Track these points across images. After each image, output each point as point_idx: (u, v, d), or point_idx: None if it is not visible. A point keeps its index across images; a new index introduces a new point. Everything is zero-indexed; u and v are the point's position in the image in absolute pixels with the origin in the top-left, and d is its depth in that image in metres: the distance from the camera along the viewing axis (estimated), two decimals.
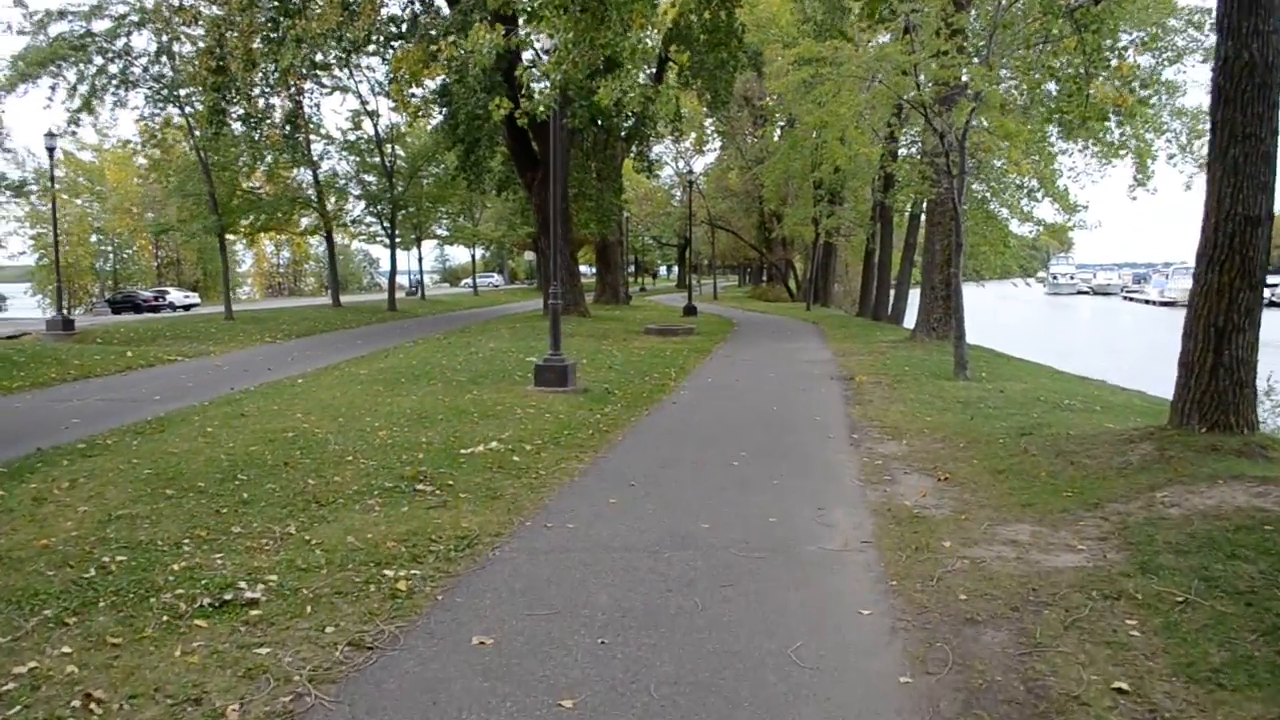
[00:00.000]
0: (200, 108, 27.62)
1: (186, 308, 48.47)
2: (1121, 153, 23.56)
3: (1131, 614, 5.20)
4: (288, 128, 30.09)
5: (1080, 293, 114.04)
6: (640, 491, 8.20)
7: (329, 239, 40.81)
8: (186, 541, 6.72)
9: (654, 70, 37.00)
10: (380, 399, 13.41)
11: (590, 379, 15.81)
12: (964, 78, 15.31)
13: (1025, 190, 22.37)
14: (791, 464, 9.39)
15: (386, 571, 6.01)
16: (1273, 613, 5.09)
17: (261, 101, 27.73)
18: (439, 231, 56.70)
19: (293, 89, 30.49)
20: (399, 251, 57.42)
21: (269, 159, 34.15)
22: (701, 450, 10.07)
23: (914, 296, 33.95)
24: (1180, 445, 8.28)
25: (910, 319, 31.88)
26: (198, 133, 28.55)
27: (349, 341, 24.92)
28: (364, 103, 40.74)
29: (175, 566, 6.13)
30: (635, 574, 6.02)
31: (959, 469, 8.98)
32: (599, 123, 28.49)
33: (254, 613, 5.36)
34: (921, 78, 14.91)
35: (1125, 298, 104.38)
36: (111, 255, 71.48)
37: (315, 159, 38.71)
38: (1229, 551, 5.89)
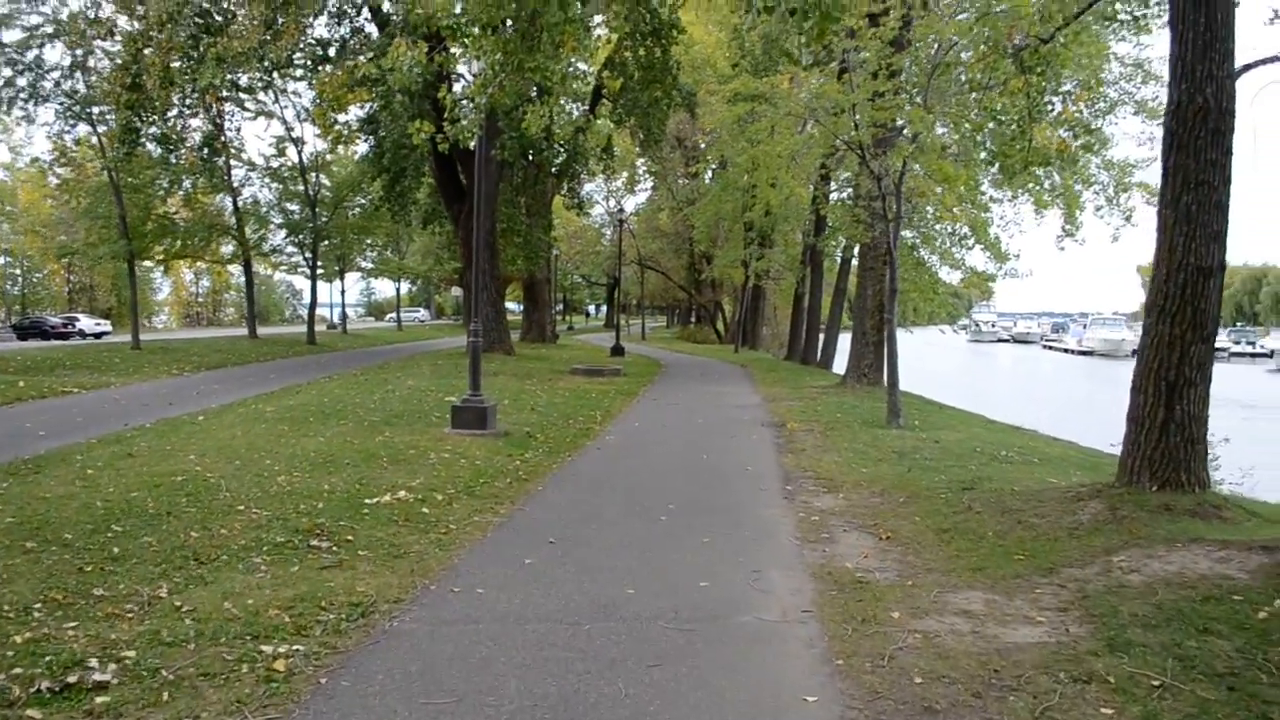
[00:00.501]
0: (114, 126, 26.39)
1: (98, 335, 46.57)
2: (1052, 202, 23.65)
3: (1106, 700, 4.65)
4: (205, 150, 28.95)
5: (1001, 340, 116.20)
6: (559, 550, 7.50)
7: (247, 268, 39.47)
8: (38, 606, 5.83)
9: (588, 104, 36.76)
10: (284, 440, 12.51)
11: (512, 421, 15.08)
12: (900, 121, 15.04)
13: (957, 237, 22.24)
14: (723, 519, 8.76)
15: (264, 647, 5.21)
16: (1259, 699, 4.58)
17: (179, 123, 26.60)
18: (363, 264, 55.51)
19: (212, 110, 29.41)
20: (322, 284, 56.36)
21: (187, 183, 32.99)
22: (627, 502, 9.40)
23: (844, 341, 33.88)
24: (1132, 504, 7.84)
25: (840, 364, 31.70)
26: (109, 153, 27.26)
27: (261, 376, 23.81)
28: (289, 129, 39.61)
29: (18, 638, 5.25)
30: (550, 651, 5.30)
31: (901, 527, 8.44)
32: (529, 156, 27.90)
33: (100, 699, 4.54)
34: (858, 118, 14.58)
35: (1045, 346, 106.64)
36: (20, 279, 68.94)
37: (236, 185, 37.53)
38: (1200, 626, 5.41)
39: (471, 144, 13.03)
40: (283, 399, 17.79)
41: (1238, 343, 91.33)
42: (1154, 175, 22.41)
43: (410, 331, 58.98)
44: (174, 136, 26.44)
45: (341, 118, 28.53)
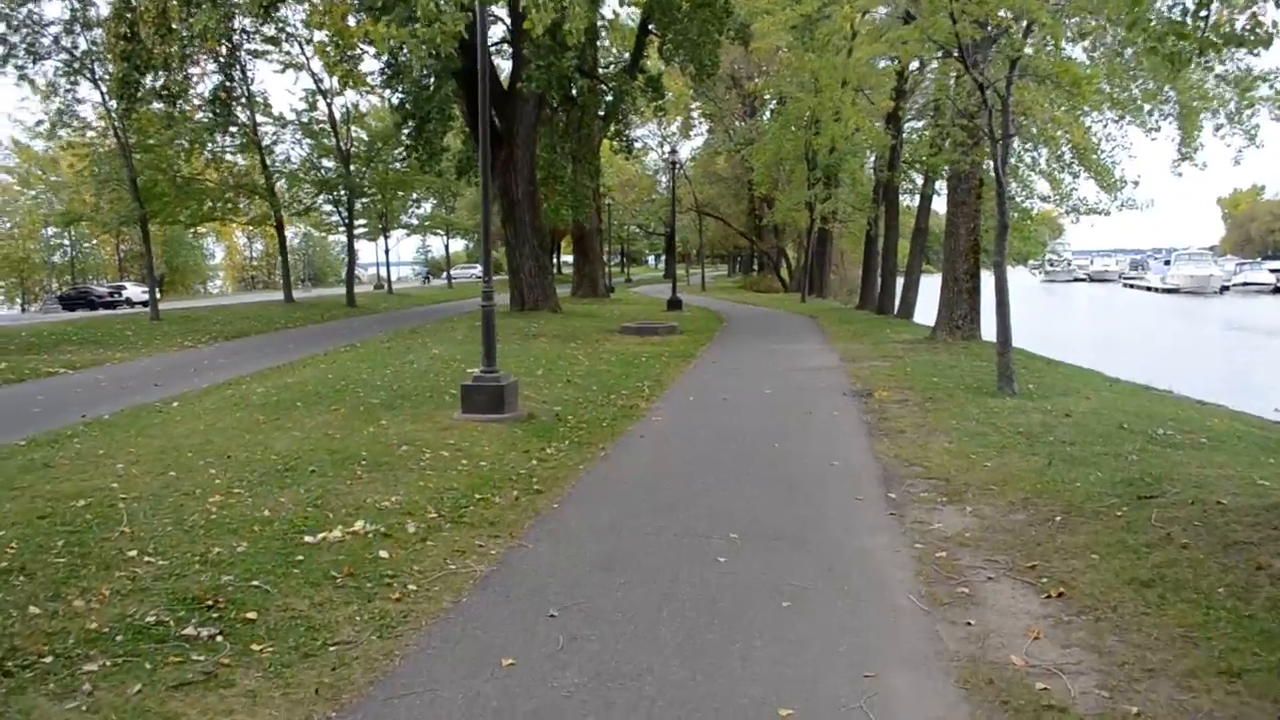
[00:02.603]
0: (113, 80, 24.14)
1: (145, 303, 44.99)
2: (1161, 120, 20.36)
3: None
4: (215, 104, 26.59)
5: (1077, 279, 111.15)
6: (561, 633, 4.89)
7: (279, 229, 37.28)
8: None
9: (632, 50, 33.82)
10: (253, 435, 10.08)
11: (542, 397, 12.52)
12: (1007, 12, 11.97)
13: (1062, 163, 19.12)
14: (808, 559, 6.09)
15: None
16: None
17: (180, 74, 24.22)
18: (409, 221, 53.25)
19: (222, 59, 27.00)
20: (371, 242, 54.21)
21: (212, 143, 30.78)
22: (672, 528, 6.75)
23: (926, 286, 30.76)
24: None
25: (922, 313, 28.64)
26: (112, 110, 25.03)
27: (278, 346, 21.55)
28: (318, 81, 37.11)
29: None
30: None
31: (1074, 572, 5.70)
32: (569, 93, 25.06)
33: None
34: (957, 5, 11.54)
35: (1125, 284, 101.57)
36: (69, 248, 67.93)
37: (263, 142, 35.23)
38: None
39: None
40: (282, 376, 15.43)
41: None
42: None
43: (461, 289, 56.57)
44: (175, 89, 24.01)
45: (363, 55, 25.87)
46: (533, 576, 5.79)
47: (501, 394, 10.88)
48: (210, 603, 5.24)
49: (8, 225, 61.38)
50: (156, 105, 25.54)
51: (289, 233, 78.28)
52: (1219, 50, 8.69)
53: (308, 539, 6.39)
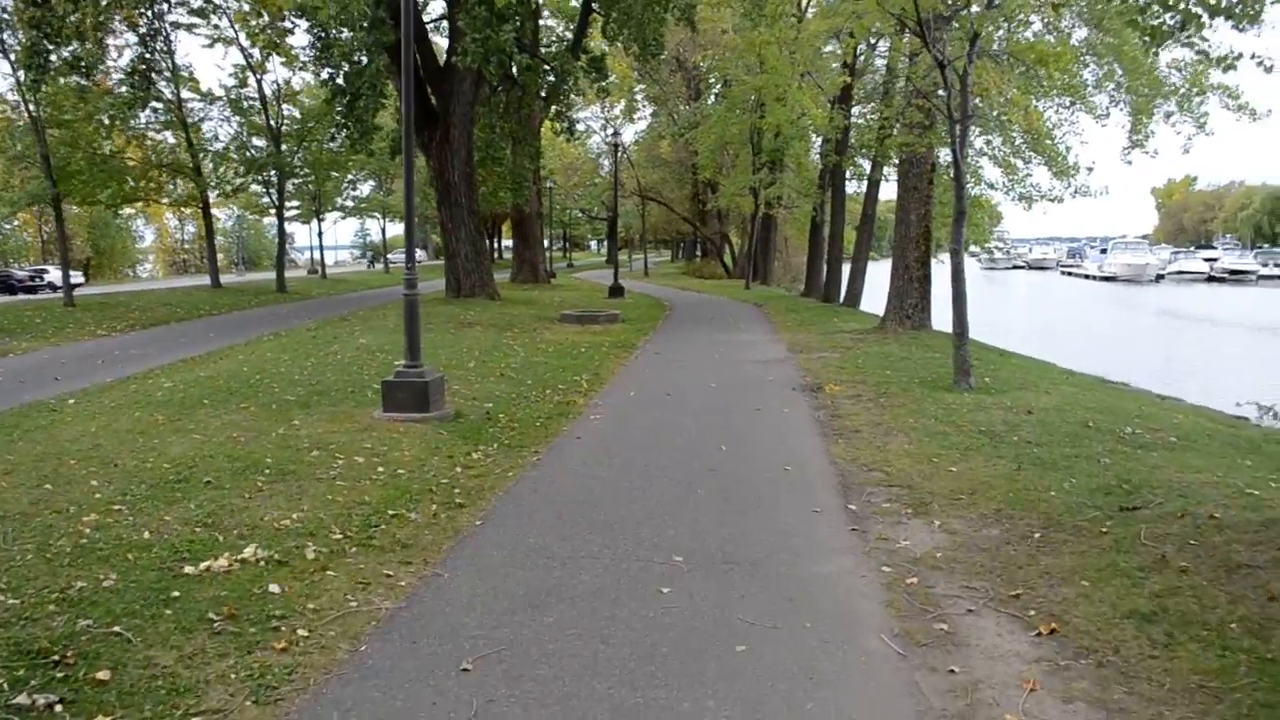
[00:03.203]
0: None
1: (70, 288, 43.04)
2: (1111, 106, 20.03)
3: None
4: (134, 77, 25.17)
5: (1016, 267, 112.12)
6: (476, 694, 4.09)
7: (206, 211, 35.79)
8: None
9: (574, 29, 32.92)
10: (148, 439, 9.11)
11: (472, 393, 11.67)
12: None
13: (1011, 148, 18.62)
14: (762, 588, 5.34)
15: None
16: None
17: (93, 43, 22.78)
18: (344, 204, 51.72)
19: (142, 30, 25.55)
20: (307, 225, 52.54)
21: (133, 119, 29.24)
22: (609, 551, 5.97)
23: (875, 274, 30.28)
24: None
25: (869, 302, 28.16)
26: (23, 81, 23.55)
27: (198, 334, 20.37)
28: (248, 56, 35.56)
29: None
30: None
31: (1062, 601, 5.04)
32: (507, 70, 24.00)
33: None
34: None
35: (1064, 272, 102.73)
36: None
37: (190, 120, 33.71)
38: None
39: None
40: (195, 369, 14.36)
41: (1265, 265, 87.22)
42: (1238, 77, 18.83)
43: (398, 274, 55.12)
44: (88, 60, 22.58)
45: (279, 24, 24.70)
46: (446, 615, 4.97)
47: (426, 391, 10.01)
48: (58, 657, 4.37)
49: None
50: (71, 78, 24.04)
51: (221, 214, 76.19)
52: (1201, 26, 8.11)
53: (188, 569, 5.51)
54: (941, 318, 18.84)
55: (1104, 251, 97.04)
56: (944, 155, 18.09)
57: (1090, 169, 18.85)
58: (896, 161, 20.01)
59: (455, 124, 26.10)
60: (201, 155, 34.12)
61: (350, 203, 53.97)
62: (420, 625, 4.84)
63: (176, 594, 5.16)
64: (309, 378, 12.73)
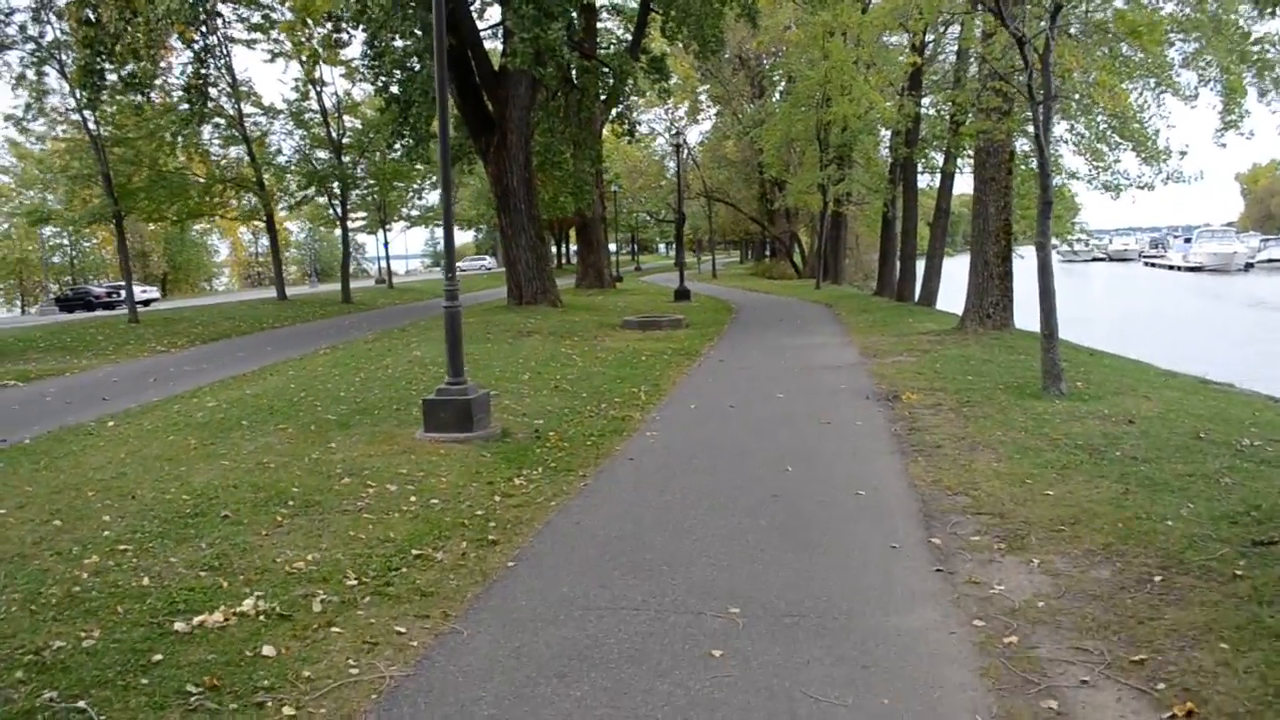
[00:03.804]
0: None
1: (144, 303, 43.67)
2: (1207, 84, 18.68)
3: None
4: (191, 93, 25.08)
5: (1096, 259, 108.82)
6: None
7: (270, 224, 35.85)
8: None
9: (633, 30, 32.31)
10: (175, 465, 8.60)
11: (523, 408, 11.00)
12: None
13: (1096, 133, 17.39)
14: (832, 650, 4.52)
15: None
16: None
17: (146, 60, 22.67)
18: (409, 213, 51.76)
19: (199, 45, 25.46)
20: (373, 235, 52.71)
21: (193, 134, 29.26)
22: (652, 602, 5.18)
23: (951, 271, 29.07)
24: None
25: (945, 300, 26.98)
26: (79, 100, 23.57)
27: (256, 349, 20.09)
28: (308, 69, 35.53)
29: None
30: None
31: (1198, 669, 4.14)
32: (557, 66, 23.36)
33: None
34: None
35: (1146, 263, 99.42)
36: (68, 248, 66.70)
37: (254, 133, 33.78)
38: None
39: None
40: (243, 386, 13.95)
41: None
42: None
43: (466, 282, 54.79)
44: (143, 77, 22.49)
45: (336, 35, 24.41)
46: (458, 687, 4.25)
47: (469, 409, 9.35)
48: None
49: (4, 226, 60.03)
50: (128, 96, 24.04)
51: (293, 227, 77.11)
52: None
53: (179, 625, 4.90)
54: (1024, 316, 17.75)
55: (1188, 241, 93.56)
56: (1021, 144, 17.02)
57: (1184, 153, 17.53)
58: (971, 152, 18.94)
59: (512, 129, 25.55)
60: (264, 168, 34.16)
61: (416, 212, 54.02)
62: (426, 701, 4.12)
63: (159, 657, 4.54)
64: (355, 395, 12.18)
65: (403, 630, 4.86)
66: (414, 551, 6.04)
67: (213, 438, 9.81)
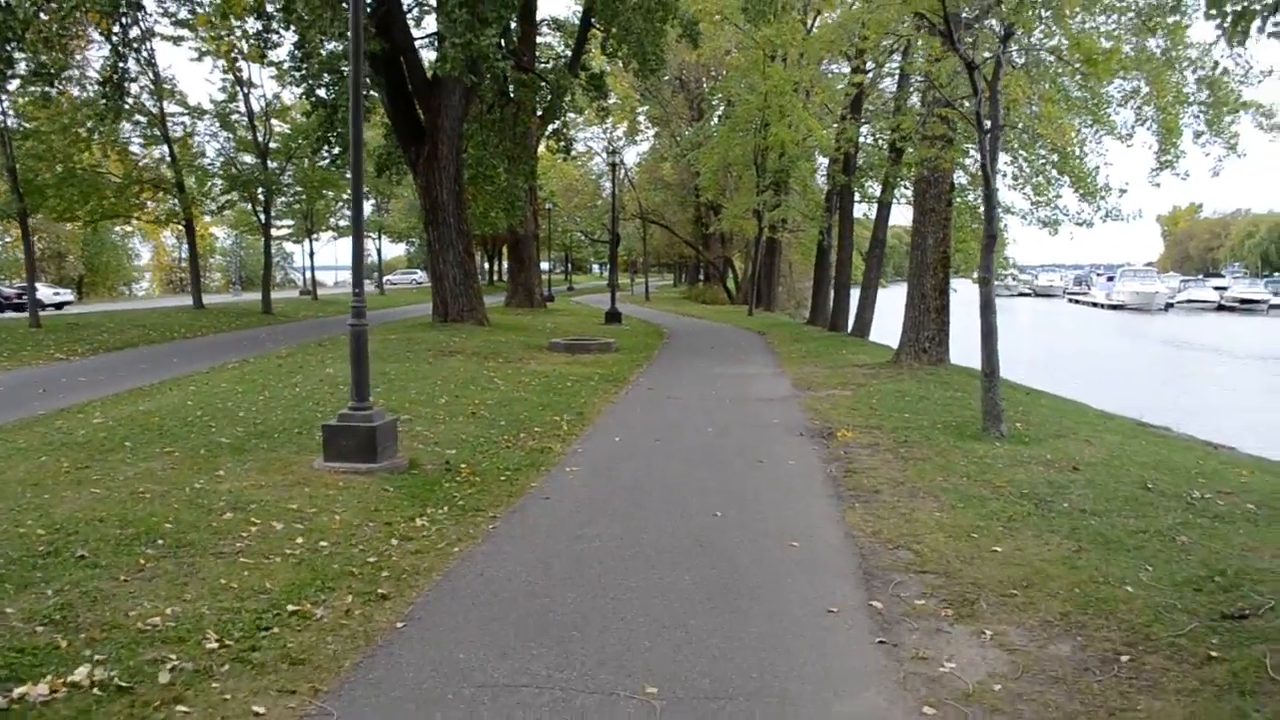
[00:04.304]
0: None
1: (58, 306, 41.76)
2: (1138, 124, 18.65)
3: None
4: (107, 87, 23.89)
5: (1021, 294, 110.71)
6: None
7: (189, 229, 34.45)
8: None
9: (573, 45, 31.92)
10: (41, 492, 7.68)
11: (433, 438, 10.24)
12: None
13: (1035, 168, 17.21)
14: None
15: None
16: None
17: (57, 50, 21.50)
18: (338, 223, 50.40)
19: (118, 38, 24.26)
20: (303, 245, 51.21)
21: (107, 130, 27.91)
22: (558, 674, 4.49)
23: (882, 302, 28.86)
24: None
25: (879, 331, 26.73)
26: None
27: (160, 360, 18.94)
28: (235, 70, 34.31)
29: None
30: None
31: None
32: (490, 75, 22.63)
33: None
34: None
35: (1070, 300, 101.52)
36: None
37: (176, 134, 32.50)
38: None
39: None
40: (136, 401, 12.94)
41: (1276, 294, 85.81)
42: (1272, 91, 17.57)
43: (393, 296, 53.67)
44: (53, 67, 21.31)
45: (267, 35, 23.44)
46: None
47: (373, 437, 8.58)
48: None
49: None
50: (38, 87, 22.78)
51: (220, 233, 74.98)
52: None
53: None
54: (957, 350, 17.45)
55: (1111, 279, 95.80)
56: (959, 177, 16.74)
57: (1124, 190, 17.41)
58: (909, 183, 18.68)
59: (444, 140, 24.76)
60: (185, 171, 32.85)
61: (345, 222, 52.69)
62: None
63: None
64: (255, 415, 11.31)
65: (261, 711, 4.12)
66: (290, 606, 5.28)
67: (89, 460, 8.90)
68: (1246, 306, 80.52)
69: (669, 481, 8.56)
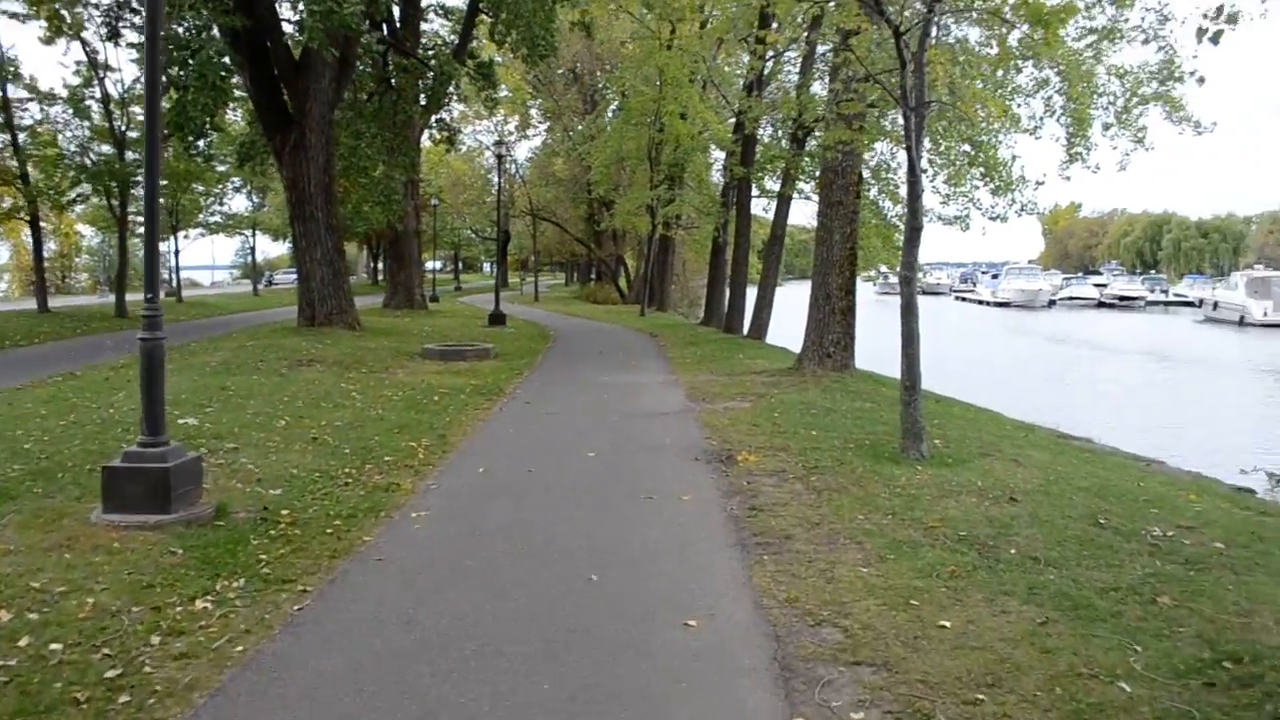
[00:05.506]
0: None
1: None
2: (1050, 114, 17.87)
3: None
4: None
5: None
6: None
7: (34, 225, 31.53)
8: None
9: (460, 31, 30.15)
10: None
11: (257, 473, 8.46)
12: None
13: (948, 159, 16.18)
14: None
15: None
16: None
17: None
18: (209, 219, 47.41)
19: None
20: (168, 242, 47.90)
21: None
22: None
23: (782, 301, 27.76)
24: None
25: (777, 333, 25.58)
26: None
27: None
28: (91, 53, 31.45)
29: None
30: None
31: None
32: (372, 61, 20.76)
33: None
34: None
35: (958, 298, 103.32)
36: None
37: (25, 120, 29.77)
38: None
39: None
40: None
41: (1152, 290, 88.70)
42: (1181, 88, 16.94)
43: (268, 298, 50.74)
44: None
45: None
46: None
47: (167, 481, 6.82)
48: None
49: None
50: None
51: (86, 230, 70.57)
52: None
53: None
54: (865, 355, 16.37)
55: (995, 277, 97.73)
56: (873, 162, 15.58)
57: (1040, 182, 16.52)
58: (812, 177, 17.49)
59: (312, 128, 22.72)
60: (30, 161, 29.98)
61: (218, 218, 49.76)
62: None
63: None
64: (46, 446, 9.36)
65: None
66: None
67: None
68: (1125, 303, 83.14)
69: (537, 531, 6.98)
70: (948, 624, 5.08)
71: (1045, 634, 4.91)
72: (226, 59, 20.94)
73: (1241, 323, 56.98)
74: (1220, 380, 34.44)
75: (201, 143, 23.66)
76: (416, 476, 8.64)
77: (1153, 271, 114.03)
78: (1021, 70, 17.21)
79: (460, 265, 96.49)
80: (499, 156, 33.01)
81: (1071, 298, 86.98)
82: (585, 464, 9.33)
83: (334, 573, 5.99)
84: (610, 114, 42.88)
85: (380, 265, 70.75)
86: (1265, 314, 55.46)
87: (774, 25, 20.65)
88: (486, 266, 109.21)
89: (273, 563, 6.09)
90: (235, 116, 33.35)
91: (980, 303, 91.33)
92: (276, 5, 23.33)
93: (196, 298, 48.21)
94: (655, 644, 4.93)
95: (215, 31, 20.49)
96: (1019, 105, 17.79)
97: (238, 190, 47.58)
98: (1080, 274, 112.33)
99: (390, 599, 5.53)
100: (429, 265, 66.23)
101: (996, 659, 4.62)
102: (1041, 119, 18.22)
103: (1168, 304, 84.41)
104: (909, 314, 9.24)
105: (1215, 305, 64.28)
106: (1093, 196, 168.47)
